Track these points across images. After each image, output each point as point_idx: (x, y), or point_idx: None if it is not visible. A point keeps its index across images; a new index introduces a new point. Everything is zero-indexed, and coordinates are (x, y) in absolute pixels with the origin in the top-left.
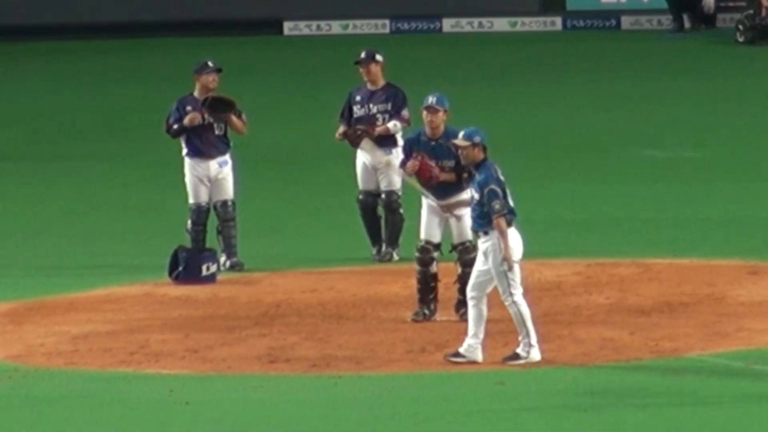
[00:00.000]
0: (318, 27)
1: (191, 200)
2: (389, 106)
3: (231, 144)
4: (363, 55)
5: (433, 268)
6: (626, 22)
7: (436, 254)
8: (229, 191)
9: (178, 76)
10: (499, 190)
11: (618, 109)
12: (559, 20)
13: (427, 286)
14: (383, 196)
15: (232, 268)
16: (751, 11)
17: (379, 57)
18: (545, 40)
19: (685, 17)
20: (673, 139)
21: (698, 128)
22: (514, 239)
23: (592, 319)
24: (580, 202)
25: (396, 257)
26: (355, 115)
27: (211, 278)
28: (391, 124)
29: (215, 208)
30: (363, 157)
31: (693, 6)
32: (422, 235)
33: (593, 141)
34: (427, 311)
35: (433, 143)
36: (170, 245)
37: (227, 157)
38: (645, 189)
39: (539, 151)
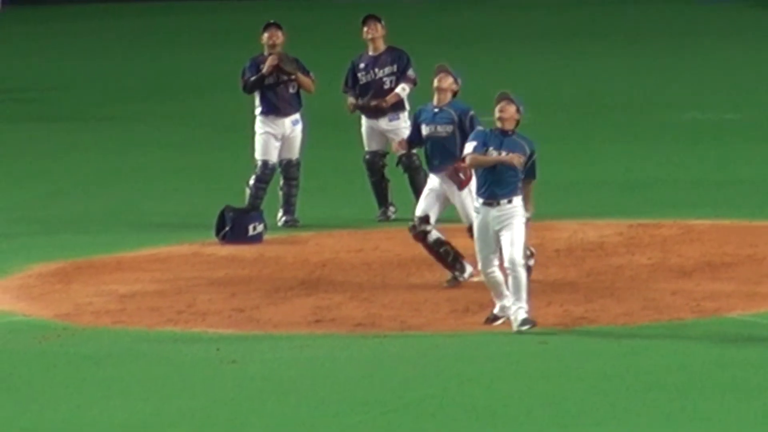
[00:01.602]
0: None
1: (259, 156)
2: (395, 68)
3: (303, 104)
4: (369, 14)
5: (433, 235)
6: None
7: (429, 227)
8: (296, 151)
9: (222, 39)
10: None
11: (659, 72)
12: None
13: (440, 254)
14: (402, 158)
15: (286, 224)
16: None
17: (382, 21)
18: (588, 3)
19: None
20: (714, 101)
21: (738, 91)
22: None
23: (634, 279)
24: (622, 164)
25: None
26: (360, 82)
27: (257, 238)
28: (399, 89)
29: (281, 165)
30: (369, 121)
31: None
32: (417, 212)
33: (635, 103)
34: (457, 273)
35: (437, 110)
36: (217, 205)
37: (299, 116)
38: (686, 151)
39: (582, 114)
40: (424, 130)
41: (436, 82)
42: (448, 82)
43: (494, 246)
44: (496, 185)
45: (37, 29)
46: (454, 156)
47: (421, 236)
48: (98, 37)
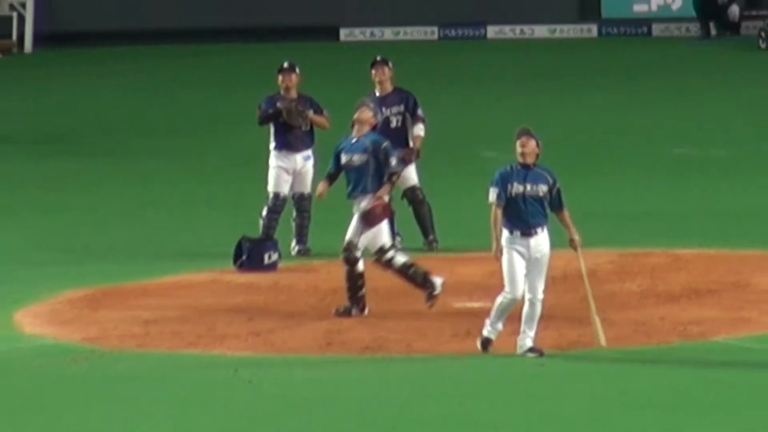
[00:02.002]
0: (371, 33)
1: (271, 189)
2: (402, 108)
3: (315, 140)
4: (378, 59)
5: (399, 260)
6: (657, 29)
7: (357, 252)
8: (308, 184)
9: (240, 79)
10: None
11: (650, 110)
12: (594, 27)
13: (410, 277)
14: (407, 191)
15: (299, 253)
16: None
17: (390, 64)
18: (582, 45)
19: (712, 25)
20: (702, 138)
21: (724, 128)
22: None
23: (625, 304)
24: (614, 196)
25: (437, 245)
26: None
27: (272, 266)
28: (418, 130)
29: (293, 198)
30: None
31: (719, 14)
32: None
33: (627, 139)
34: (430, 290)
35: (354, 140)
36: (235, 235)
37: (311, 152)
38: (675, 184)
39: (577, 148)
40: (343, 158)
41: (357, 115)
42: (368, 115)
43: (523, 275)
44: (530, 217)
45: (67, 70)
46: (370, 185)
47: (351, 261)
48: (124, 77)
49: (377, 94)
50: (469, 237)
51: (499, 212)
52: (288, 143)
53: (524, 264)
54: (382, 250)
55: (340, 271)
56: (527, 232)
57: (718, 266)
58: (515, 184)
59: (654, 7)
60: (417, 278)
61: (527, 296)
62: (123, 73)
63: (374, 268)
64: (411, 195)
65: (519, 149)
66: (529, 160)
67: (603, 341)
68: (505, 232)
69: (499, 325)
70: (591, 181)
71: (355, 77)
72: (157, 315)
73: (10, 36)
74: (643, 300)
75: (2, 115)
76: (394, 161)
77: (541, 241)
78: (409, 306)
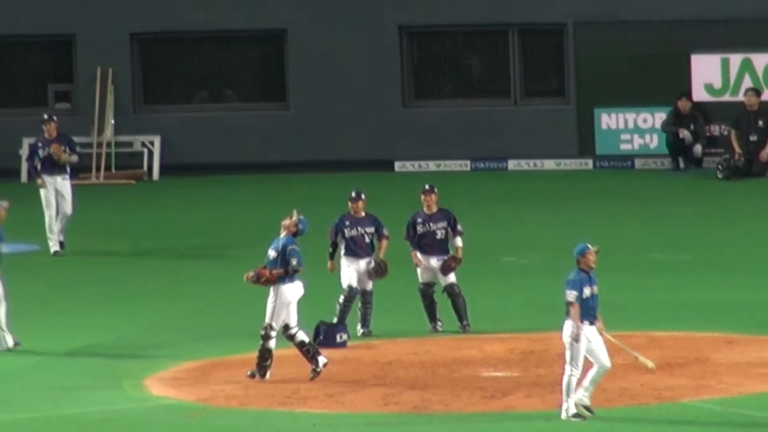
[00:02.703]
0: (419, 165)
1: (346, 283)
2: (445, 224)
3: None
4: (427, 186)
5: (299, 337)
6: (638, 163)
7: (273, 333)
8: (370, 284)
9: (318, 201)
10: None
11: (632, 225)
12: (590, 161)
13: (304, 352)
14: (446, 287)
15: (363, 334)
16: (727, 155)
17: (436, 190)
18: (581, 175)
19: (680, 160)
20: (671, 246)
21: (689, 238)
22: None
23: (613, 375)
24: (604, 289)
25: (470, 328)
26: (419, 232)
27: (343, 344)
28: (458, 241)
29: (360, 292)
30: (423, 261)
31: (686, 152)
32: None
33: (614, 247)
34: (315, 366)
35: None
36: (314, 320)
37: (372, 258)
38: (650, 281)
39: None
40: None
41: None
42: (287, 222)
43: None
44: (596, 311)
45: (186, 191)
46: None
47: (266, 338)
48: (227, 198)
49: (425, 212)
50: (494, 322)
51: (578, 307)
52: (354, 252)
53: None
54: (287, 327)
55: (394, 347)
56: (592, 321)
57: (685, 345)
58: (586, 288)
59: (636, 146)
60: (308, 355)
61: (602, 371)
62: (226, 194)
63: (411, 346)
64: (450, 290)
65: (591, 264)
66: (594, 266)
67: (650, 364)
68: (578, 327)
69: (575, 396)
70: None
71: (407, 199)
72: (254, 381)
73: (142, 167)
74: (627, 371)
75: (138, 228)
76: (294, 261)
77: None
78: (447, 375)
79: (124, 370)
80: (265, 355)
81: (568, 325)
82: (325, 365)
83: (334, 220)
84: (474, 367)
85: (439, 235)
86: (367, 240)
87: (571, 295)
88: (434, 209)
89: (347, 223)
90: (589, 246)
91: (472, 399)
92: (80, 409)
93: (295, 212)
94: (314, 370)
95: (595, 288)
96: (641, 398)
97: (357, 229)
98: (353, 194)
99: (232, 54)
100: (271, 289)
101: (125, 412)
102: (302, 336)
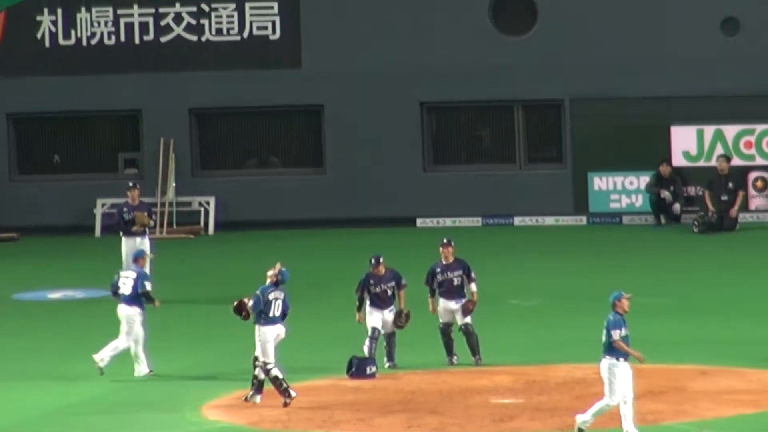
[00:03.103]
0: (437, 222)
1: (370, 325)
2: (461, 272)
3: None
4: (445, 240)
5: (273, 373)
6: (626, 219)
7: (270, 365)
8: (391, 326)
9: (348, 253)
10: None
11: (620, 273)
12: (584, 218)
13: (276, 385)
14: (462, 326)
15: (389, 367)
16: (702, 213)
17: (453, 243)
18: (576, 230)
19: (662, 217)
20: (653, 291)
21: (668, 285)
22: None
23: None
24: (594, 328)
25: (481, 362)
26: (437, 280)
27: (372, 376)
28: (474, 287)
29: (384, 334)
30: (443, 304)
31: (666, 210)
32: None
33: (603, 291)
34: (286, 398)
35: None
36: (348, 355)
37: (393, 306)
38: (635, 321)
39: (570, 297)
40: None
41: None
42: (269, 273)
43: None
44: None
45: (239, 245)
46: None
47: (267, 372)
48: (272, 251)
49: (443, 262)
50: (502, 356)
51: (622, 343)
52: (379, 305)
53: None
54: (265, 364)
55: (416, 378)
56: (626, 358)
57: (665, 376)
58: (623, 329)
59: (624, 205)
60: (281, 388)
61: (612, 398)
62: (272, 247)
63: (431, 377)
64: (465, 329)
65: (625, 306)
66: (627, 311)
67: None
68: (613, 359)
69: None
70: (578, 319)
71: (428, 250)
72: (295, 407)
73: (199, 223)
74: None
75: (196, 276)
76: (250, 303)
77: None
78: (462, 401)
79: (184, 399)
80: (278, 383)
81: (606, 362)
82: (294, 397)
83: (360, 274)
84: (485, 395)
85: (456, 282)
86: (389, 293)
87: (617, 334)
88: (451, 260)
89: (371, 281)
90: (623, 293)
91: (484, 422)
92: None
93: (278, 264)
94: (285, 402)
95: (626, 329)
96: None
97: (380, 287)
98: (373, 260)
99: (276, 126)
100: (255, 328)
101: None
102: (277, 372)
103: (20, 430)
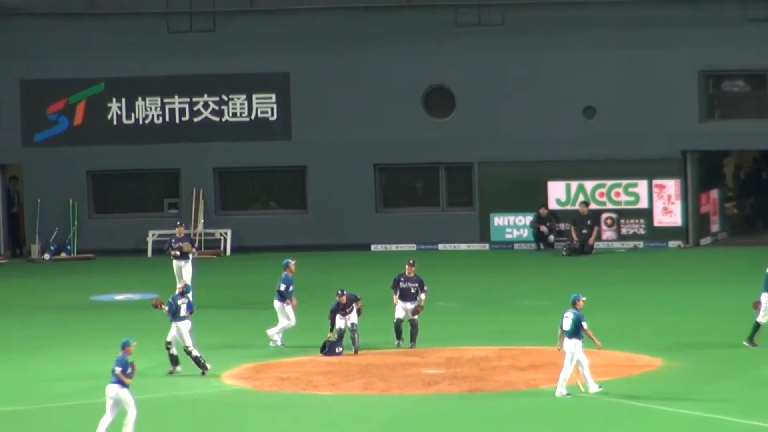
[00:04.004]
0: (386, 247)
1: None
2: (417, 285)
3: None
4: (411, 261)
5: (194, 353)
6: (516, 246)
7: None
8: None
9: (319, 272)
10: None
11: (510, 283)
12: (487, 245)
13: (196, 361)
14: (411, 320)
15: (356, 351)
16: (569, 242)
17: (415, 264)
18: (481, 253)
19: (541, 244)
20: (537, 296)
21: (547, 291)
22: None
23: (500, 372)
24: (496, 323)
25: (415, 346)
26: (400, 287)
27: (339, 354)
28: (423, 295)
29: (410, 321)
30: (401, 304)
31: (544, 239)
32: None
33: (501, 296)
34: (203, 371)
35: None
36: (322, 340)
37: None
38: (522, 317)
39: (478, 302)
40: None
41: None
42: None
43: None
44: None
45: (252, 263)
46: None
47: (190, 354)
48: (274, 267)
49: (406, 275)
50: (431, 342)
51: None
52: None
53: None
54: (186, 347)
55: (371, 356)
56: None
57: (545, 355)
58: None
59: (515, 236)
60: (199, 364)
61: (580, 365)
62: (273, 266)
63: (384, 357)
64: (412, 322)
65: (581, 304)
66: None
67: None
68: (579, 340)
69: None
70: (482, 316)
71: (380, 267)
72: (287, 375)
73: (220, 247)
74: (510, 370)
75: (217, 285)
76: (166, 308)
77: None
78: (402, 372)
79: (209, 370)
80: (197, 360)
81: (573, 342)
82: (209, 369)
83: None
84: (418, 367)
85: (413, 290)
86: (413, 291)
87: (586, 324)
88: (411, 275)
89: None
90: (581, 296)
91: (417, 386)
92: (182, 393)
93: (182, 283)
94: (203, 372)
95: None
96: (518, 385)
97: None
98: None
99: (273, 180)
100: (173, 325)
101: (208, 395)
102: (196, 353)
103: (85, 393)
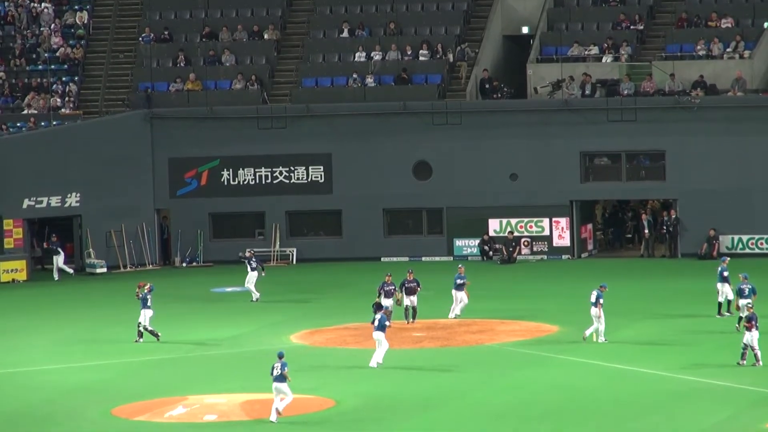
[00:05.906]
0: (391, 259)
1: (403, 304)
2: (415, 285)
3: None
4: (411, 270)
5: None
6: (470, 258)
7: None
8: (415, 301)
9: (350, 273)
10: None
11: (475, 285)
12: (452, 258)
13: (154, 334)
14: (413, 307)
15: (410, 323)
16: (501, 255)
17: (413, 271)
18: (447, 264)
19: (484, 257)
20: (483, 288)
21: (491, 286)
22: None
23: (458, 332)
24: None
25: (414, 322)
26: (405, 286)
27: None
28: (417, 291)
29: (411, 307)
30: (406, 298)
31: (487, 254)
32: None
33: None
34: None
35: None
36: (349, 319)
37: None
38: (475, 304)
39: (446, 291)
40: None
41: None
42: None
43: None
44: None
45: (305, 270)
46: None
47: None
48: (325, 272)
49: (408, 278)
50: (419, 317)
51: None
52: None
53: None
54: (145, 327)
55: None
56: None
57: (486, 324)
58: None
59: (469, 252)
60: (154, 335)
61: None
62: (323, 271)
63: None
64: (413, 308)
65: (603, 290)
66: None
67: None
68: (600, 309)
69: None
70: (447, 299)
71: (388, 272)
72: (330, 336)
73: (289, 259)
74: (465, 332)
75: (282, 283)
76: (140, 298)
77: None
78: (399, 336)
79: (281, 333)
80: (155, 333)
81: (595, 309)
82: (159, 335)
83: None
84: (411, 332)
85: (413, 287)
86: (413, 288)
87: (597, 297)
88: (411, 278)
89: (406, 281)
90: (605, 285)
91: (408, 343)
92: (260, 348)
93: (149, 283)
94: (157, 339)
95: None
96: (470, 343)
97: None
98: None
99: (320, 218)
100: (142, 312)
101: (286, 348)
102: (152, 329)
103: (207, 347)
